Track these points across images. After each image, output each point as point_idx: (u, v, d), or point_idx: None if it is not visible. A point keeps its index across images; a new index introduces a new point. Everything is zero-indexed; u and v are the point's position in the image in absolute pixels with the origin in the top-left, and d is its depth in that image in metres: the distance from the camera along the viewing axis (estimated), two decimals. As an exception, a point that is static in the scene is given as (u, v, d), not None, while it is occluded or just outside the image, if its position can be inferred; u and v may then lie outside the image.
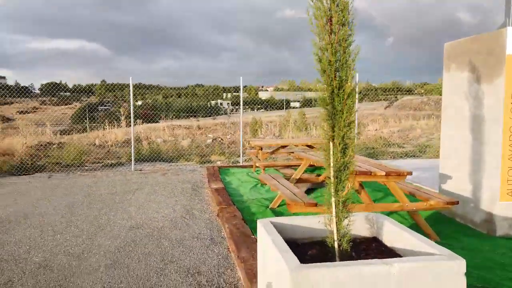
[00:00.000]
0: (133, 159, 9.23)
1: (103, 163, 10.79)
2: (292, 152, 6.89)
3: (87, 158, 11.39)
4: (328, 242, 2.23)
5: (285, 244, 2.08)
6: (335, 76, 2.09)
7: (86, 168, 10.09)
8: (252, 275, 3.13)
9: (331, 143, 2.17)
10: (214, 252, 4.04)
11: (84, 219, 5.29)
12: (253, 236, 4.05)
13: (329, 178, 2.19)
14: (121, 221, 5.18)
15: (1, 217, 5.43)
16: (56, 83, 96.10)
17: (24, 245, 4.34)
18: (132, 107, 9.24)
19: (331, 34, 2.08)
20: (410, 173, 3.93)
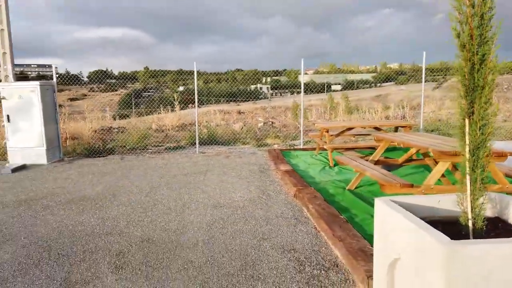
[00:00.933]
0: (197, 142, 9.52)
1: (165, 147, 11.23)
2: (368, 134, 6.79)
3: (149, 141, 11.89)
4: (462, 220, 2.21)
5: (422, 221, 2.10)
6: (476, 52, 2.04)
7: (150, 151, 10.55)
8: (354, 253, 3.18)
9: (466, 120, 2.13)
10: (303, 231, 4.13)
11: (167, 198, 5.57)
12: (342, 216, 4.09)
13: (463, 156, 2.16)
14: (203, 200, 5.40)
15: (93, 195, 5.85)
16: (102, 71, 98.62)
17: (122, 221, 4.66)
18: (196, 92, 9.49)
19: (473, 7, 2.02)
20: (511, 154, 3.77)
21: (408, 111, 17.29)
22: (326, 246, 3.71)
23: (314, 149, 8.55)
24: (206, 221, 4.53)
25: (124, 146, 11.00)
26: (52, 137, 8.61)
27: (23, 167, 7.96)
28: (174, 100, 17.38)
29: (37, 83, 8.20)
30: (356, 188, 5.24)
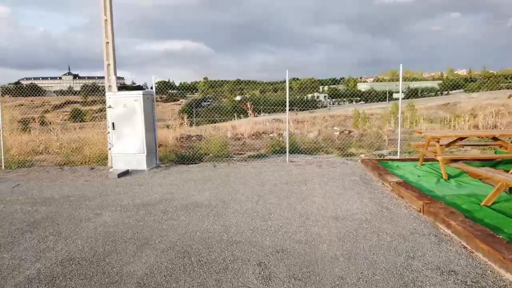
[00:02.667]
0: (287, 151, 9.43)
1: (247, 155, 11.30)
2: (484, 145, 6.21)
3: (229, 149, 12.05)
4: None
5: None
6: None
7: (235, 159, 10.65)
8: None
9: None
10: (451, 251, 3.78)
11: (279, 207, 5.48)
12: (500, 236, 3.68)
13: None
14: (318, 211, 5.23)
15: (204, 202, 5.93)
16: (165, 82, 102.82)
17: (246, 229, 4.62)
18: (287, 99, 9.44)
19: None
20: None
21: (498, 119, 15.90)
22: (491, 270, 3.33)
23: (414, 159, 8.04)
24: (335, 234, 4.34)
25: (207, 154, 11.23)
26: (151, 144, 9.00)
27: (126, 173, 8.37)
28: (248, 109, 17.59)
29: (140, 92, 8.64)
30: (492, 204, 4.76)
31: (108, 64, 9.46)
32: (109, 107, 8.72)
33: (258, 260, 3.74)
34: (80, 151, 11.69)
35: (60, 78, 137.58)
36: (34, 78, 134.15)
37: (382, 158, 9.52)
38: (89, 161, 10.36)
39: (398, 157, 9.14)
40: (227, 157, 10.82)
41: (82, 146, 12.58)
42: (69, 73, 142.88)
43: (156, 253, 3.98)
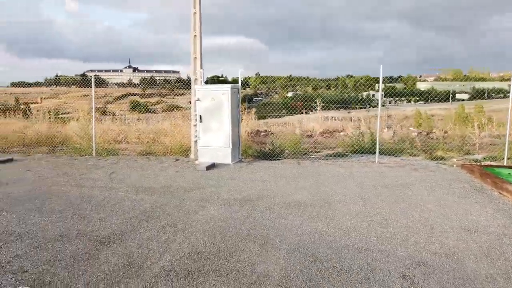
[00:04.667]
0: (377, 151, 8.95)
1: (325, 153, 10.94)
2: None
3: (303, 146, 11.74)
4: None
5: None
6: None
7: (313, 156, 10.35)
8: None
9: None
10: None
11: (392, 213, 5.10)
12: None
13: None
14: (441, 221, 4.79)
15: (305, 200, 5.71)
16: (218, 77, 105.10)
17: (367, 235, 4.32)
18: (380, 93, 8.96)
19: None
20: None
21: None
22: None
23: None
24: (477, 249, 3.90)
25: (282, 150, 11.02)
26: (235, 138, 8.96)
27: (213, 166, 8.39)
28: (316, 105, 17.18)
29: (228, 86, 8.61)
30: None
31: (195, 58, 9.54)
32: (197, 100, 8.79)
33: (400, 272, 3.42)
34: (158, 141, 12.02)
35: (121, 71, 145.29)
36: (98, 71, 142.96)
37: (479, 163, 8.74)
38: (170, 152, 10.59)
39: (504, 163, 8.31)
40: (304, 154, 10.54)
41: (158, 136, 12.96)
42: (129, 66, 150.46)
43: (282, 254, 3.80)
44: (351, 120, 25.15)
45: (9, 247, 3.98)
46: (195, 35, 9.48)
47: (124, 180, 7.21)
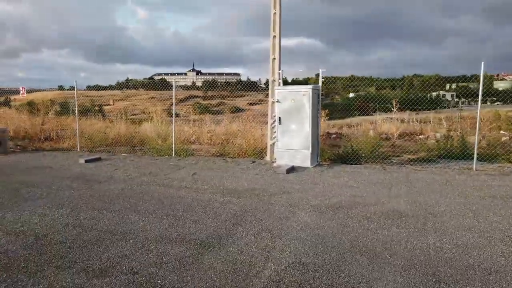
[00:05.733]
0: (475, 156, 8.11)
1: (407, 158, 10.22)
2: None
3: (381, 150, 11.07)
4: None
5: None
6: None
7: (395, 161, 9.70)
8: None
9: None
10: None
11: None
12: None
13: None
14: None
15: (405, 211, 5.25)
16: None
17: (492, 255, 3.78)
18: (480, 94, 8.17)
19: None
20: None
21: None
22: None
23: None
24: None
25: (359, 153, 10.46)
26: (315, 140, 8.66)
27: (292, 169, 8.17)
28: (393, 106, 16.26)
29: (309, 87, 8.34)
30: None
31: (274, 58, 9.40)
32: (277, 101, 8.63)
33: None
34: (230, 143, 12.10)
35: (185, 74, 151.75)
36: (164, 74, 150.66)
37: None
38: (244, 153, 10.57)
39: None
40: (384, 159, 9.92)
41: (230, 138, 13.06)
42: (193, 70, 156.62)
43: (398, 271, 3.43)
44: (419, 122, 23.46)
45: (115, 246, 4.06)
46: (274, 36, 9.34)
47: (207, 181, 7.24)
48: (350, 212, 5.24)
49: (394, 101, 16.11)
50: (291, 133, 8.52)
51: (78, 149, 11.86)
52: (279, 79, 9.25)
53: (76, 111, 12.22)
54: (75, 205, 5.62)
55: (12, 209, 5.38)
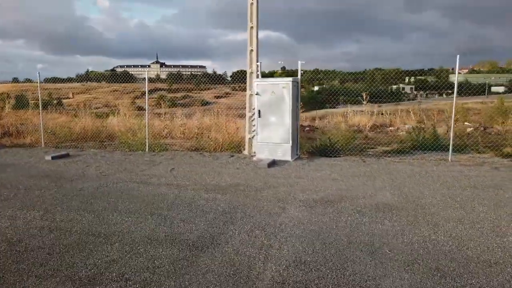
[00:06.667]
0: (451, 147, 8.32)
1: (381, 150, 10.40)
2: None
3: (355, 142, 11.19)
4: None
5: None
6: None
7: (370, 153, 9.84)
8: None
9: None
10: None
11: (500, 218, 4.58)
12: None
13: None
14: None
15: (393, 203, 5.26)
16: (244, 71, 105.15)
17: (489, 247, 3.83)
18: (456, 86, 8.37)
19: None
20: None
21: None
22: None
23: None
24: None
25: (334, 146, 10.53)
26: (294, 133, 8.57)
27: (273, 163, 8.04)
28: (362, 99, 16.52)
29: (289, 79, 8.21)
30: None
31: (251, 50, 9.18)
32: (256, 94, 8.43)
33: (553, 292, 2.94)
34: (203, 137, 11.80)
35: (148, 66, 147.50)
36: (127, 66, 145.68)
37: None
38: (220, 147, 10.31)
39: None
40: (360, 151, 10.03)
41: (203, 132, 12.74)
42: (157, 62, 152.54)
43: (401, 267, 3.39)
44: (387, 114, 24.00)
45: (101, 250, 3.75)
46: (251, 27, 9.11)
47: (188, 177, 6.97)
48: (340, 206, 5.18)
49: (364, 94, 16.37)
50: (271, 126, 8.38)
51: (43, 145, 11.10)
52: (257, 71, 9.05)
53: (40, 105, 11.43)
54: (48, 206, 5.19)
55: (-24, 213, 4.88)
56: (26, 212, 4.88)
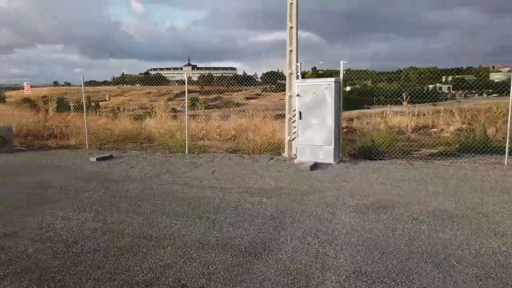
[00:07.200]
0: (507, 149, 7.79)
1: (427, 152, 9.93)
2: None
3: (397, 144, 10.76)
4: None
5: None
6: None
7: (415, 156, 9.41)
8: None
9: None
10: None
11: None
12: None
13: None
14: None
15: (452, 211, 4.94)
16: (274, 72, 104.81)
17: None
18: None
19: None
20: None
21: None
22: None
23: None
24: None
25: (375, 148, 10.16)
26: (337, 135, 8.34)
27: (316, 166, 7.85)
28: (402, 100, 15.94)
29: (332, 79, 8.00)
30: None
31: (291, 50, 9.03)
32: (297, 95, 8.27)
33: None
34: (240, 138, 11.75)
35: (180, 68, 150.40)
36: (160, 69, 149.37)
37: None
38: (259, 149, 10.22)
39: None
40: (404, 153, 9.62)
41: (239, 133, 12.71)
42: (189, 64, 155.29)
43: (473, 282, 3.12)
44: (429, 115, 23.05)
45: (154, 254, 3.72)
46: (291, 27, 8.97)
47: (230, 180, 6.91)
48: (394, 212, 4.93)
49: (404, 94, 15.78)
50: (312, 128, 8.18)
51: (87, 147, 11.45)
52: (297, 72, 8.89)
53: (84, 108, 11.80)
54: (98, 207, 5.26)
55: (32, 213, 5.02)
56: (78, 214, 4.97)
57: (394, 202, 5.36)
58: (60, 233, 4.26)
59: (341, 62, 8.55)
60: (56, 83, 67.20)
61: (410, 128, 13.85)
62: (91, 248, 3.85)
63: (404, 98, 15.76)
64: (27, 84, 11.86)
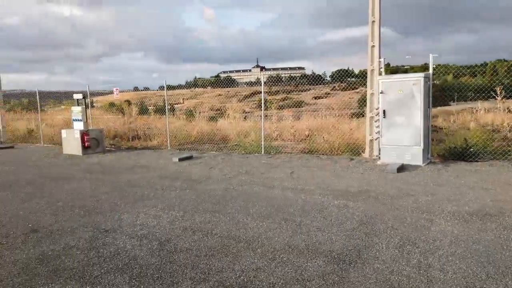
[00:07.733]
0: None
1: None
2: None
3: (495, 144, 9.61)
4: None
5: None
6: None
7: (518, 157, 8.31)
8: None
9: None
10: None
11: None
12: None
13: None
14: None
15: None
16: (344, 70, 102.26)
17: None
18: None
19: None
20: None
21: None
22: None
23: None
24: None
25: (476, 149, 9.16)
26: (425, 135, 7.69)
27: (402, 168, 7.31)
28: (497, 94, 14.33)
29: (421, 75, 7.40)
30: None
31: (373, 46, 8.55)
32: (381, 92, 7.79)
33: None
34: (314, 138, 11.45)
35: (249, 70, 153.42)
36: (230, 71, 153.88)
37: None
38: (336, 150, 9.86)
39: None
40: (502, 154, 8.55)
41: (313, 133, 12.41)
42: (257, 66, 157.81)
43: None
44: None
45: (244, 256, 3.68)
46: (373, 21, 8.49)
47: (310, 181, 6.71)
48: (504, 221, 4.34)
49: (498, 89, 14.14)
50: (398, 128, 7.65)
51: (169, 147, 12.07)
52: (380, 68, 8.38)
53: (166, 111, 12.45)
54: (185, 206, 5.42)
55: (126, 210, 5.32)
56: (168, 212, 5.15)
57: (502, 210, 4.74)
58: (153, 231, 4.42)
59: (431, 55, 7.87)
60: (136, 88, 72.63)
61: (508, 126, 12.35)
62: (184, 247, 3.93)
63: (499, 92, 14.13)
64: (116, 89, 12.83)
